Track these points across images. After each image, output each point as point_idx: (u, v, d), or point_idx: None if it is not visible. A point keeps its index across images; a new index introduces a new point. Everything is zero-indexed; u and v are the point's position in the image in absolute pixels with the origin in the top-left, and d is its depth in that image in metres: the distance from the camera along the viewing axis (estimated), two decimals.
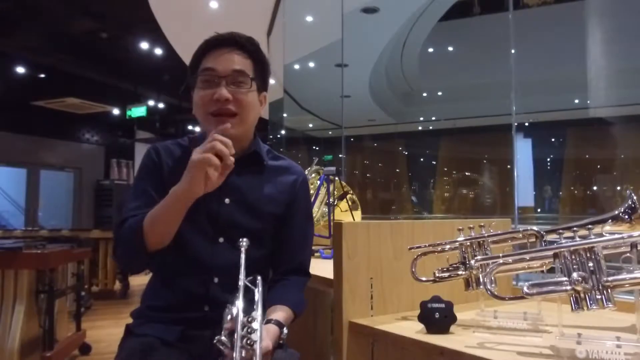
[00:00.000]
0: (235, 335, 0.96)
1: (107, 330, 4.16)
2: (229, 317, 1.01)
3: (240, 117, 1.20)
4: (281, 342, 1.10)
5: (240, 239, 1.11)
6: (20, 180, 9.34)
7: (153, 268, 1.24)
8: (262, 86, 1.28)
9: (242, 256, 1.09)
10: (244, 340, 0.95)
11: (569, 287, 0.86)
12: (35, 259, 2.92)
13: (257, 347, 0.95)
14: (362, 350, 1.15)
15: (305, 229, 1.34)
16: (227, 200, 1.21)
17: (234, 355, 0.93)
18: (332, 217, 2.05)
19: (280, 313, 1.15)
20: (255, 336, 0.96)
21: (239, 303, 1.00)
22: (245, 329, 0.97)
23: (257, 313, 1.00)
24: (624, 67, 5.11)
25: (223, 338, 0.97)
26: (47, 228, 6.17)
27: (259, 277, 1.10)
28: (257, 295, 1.06)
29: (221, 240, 1.19)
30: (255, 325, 0.98)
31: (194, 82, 1.22)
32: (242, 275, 1.06)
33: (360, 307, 1.18)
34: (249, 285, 1.06)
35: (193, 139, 1.28)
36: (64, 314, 3.47)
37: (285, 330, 1.11)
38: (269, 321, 1.11)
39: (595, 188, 8.46)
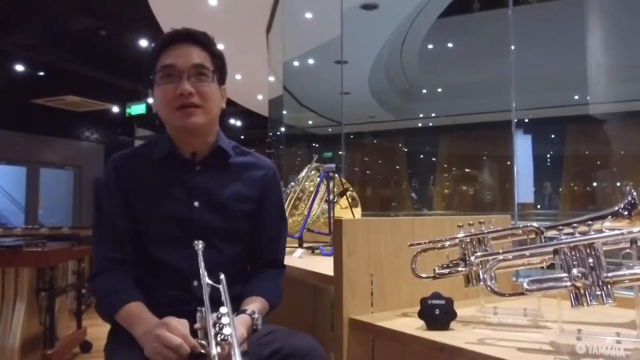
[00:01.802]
0: (209, 334, 0.99)
1: (108, 328, 4.16)
2: (199, 318, 1.05)
3: (204, 109, 1.20)
4: (255, 328, 1.12)
5: (195, 242, 1.14)
6: (20, 178, 9.34)
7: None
8: (221, 79, 1.28)
9: (200, 258, 1.12)
10: (218, 337, 0.98)
11: (568, 283, 0.86)
12: (36, 257, 2.91)
13: (231, 339, 0.97)
14: (362, 346, 1.16)
15: (279, 224, 1.35)
16: (196, 204, 1.21)
17: (212, 351, 0.96)
18: (332, 214, 2.05)
19: (254, 304, 1.18)
20: (227, 330, 0.98)
21: (206, 303, 1.04)
22: (217, 326, 0.99)
23: (225, 308, 1.03)
24: (624, 63, 5.10)
25: (201, 341, 1.00)
26: (47, 226, 6.18)
27: (222, 275, 1.11)
28: (223, 292, 1.08)
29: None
30: (225, 319, 1.00)
31: (152, 80, 1.23)
32: (204, 278, 1.08)
33: (360, 304, 1.18)
34: (213, 284, 1.09)
35: (152, 143, 1.28)
36: (65, 311, 3.48)
37: (256, 316, 1.13)
38: (243, 312, 1.14)
39: (595, 184, 8.46)
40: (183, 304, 1.16)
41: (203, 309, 1.04)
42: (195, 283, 1.18)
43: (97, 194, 1.26)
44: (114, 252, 1.20)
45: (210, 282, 1.09)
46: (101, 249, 1.21)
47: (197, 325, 1.03)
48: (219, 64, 1.26)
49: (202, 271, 1.10)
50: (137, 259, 1.22)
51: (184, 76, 1.18)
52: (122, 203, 1.21)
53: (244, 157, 1.32)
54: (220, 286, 1.10)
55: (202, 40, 1.23)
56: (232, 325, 1.00)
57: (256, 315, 1.13)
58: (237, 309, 1.20)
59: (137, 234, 1.21)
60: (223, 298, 1.07)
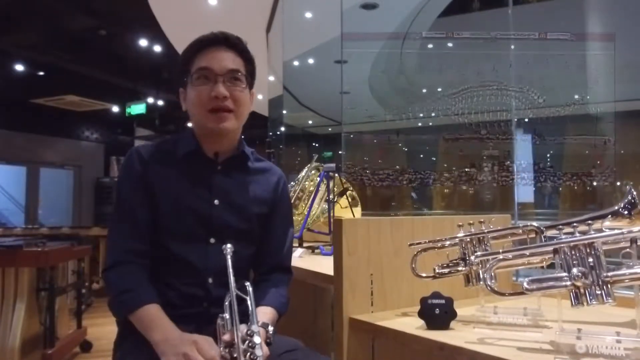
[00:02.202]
0: (237, 351, 0.98)
1: (108, 328, 4.17)
2: (222, 328, 1.03)
3: (236, 113, 1.23)
4: (268, 341, 1.12)
5: (223, 246, 1.12)
6: (20, 178, 9.33)
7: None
8: (252, 83, 1.31)
9: (229, 263, 1.10)
10: (247, 355, 0.97)
11: (568, 283, 0.86)
12: (36, 257, 2.92)
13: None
14: (362, 346, 1.16)
15: (286, 228, 1.37)
16: (216, 202, 1.23)
17: None
18: (332, 214, 2.05)
19: (266, 316, 1.18)
20: (258, 351, 0.97)
21: (235, 315, 1.02)
22: (246, 343, 0.98)
23: (256, 327, 1.02)
24: (624, 63, 5.10)
25: (223, 352, 0.99)
26: (47, 226, 6.19)
27: (248, 284, 1.11)
28: (251, 304, 1.07)
29: (212, 241, 1.22)
30: (257, 339, 0.99)
31: (186, 81, 1.25)
32: (232, 284, 1.07)
33: (360, 304, 1.18)
34: (241, 294, 1.08)
35: (174, 141, 1.30)
36: (65, 311, 3.48)
37: (271, 329, 1.13)
38: None
39: (595, 184, 8.44)
40: (196, 301, 1.17)
41: (225, 316, 1.03)
42: (210, 280, 1.19)
43: (123, 175, 1.25)
44: (132, 243, 1.19)
45: (237, 292, 1.07)
46: (119, 240, 1.21)
47: (225, 337, 1.02)
48: (251, 69, 1.30)
49: (231, 282, 1.07)
50: (153, 253, 1.22)
51: (220, 79, 1.20)
52: (144, 195, 1.21)
53: (258, 163, 1.36)
54: (247, 297, 1.08)
55: (238, 46, 1.26)
56: (262, 347, 0.99)
57: (270, 328, 1.13)
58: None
59: (156, 228, 1.21)
60: (250, 310, 1.06)
